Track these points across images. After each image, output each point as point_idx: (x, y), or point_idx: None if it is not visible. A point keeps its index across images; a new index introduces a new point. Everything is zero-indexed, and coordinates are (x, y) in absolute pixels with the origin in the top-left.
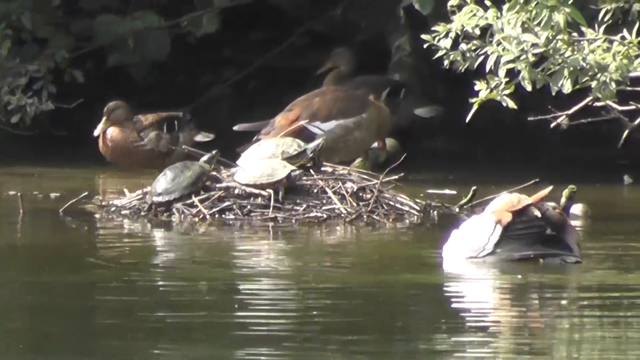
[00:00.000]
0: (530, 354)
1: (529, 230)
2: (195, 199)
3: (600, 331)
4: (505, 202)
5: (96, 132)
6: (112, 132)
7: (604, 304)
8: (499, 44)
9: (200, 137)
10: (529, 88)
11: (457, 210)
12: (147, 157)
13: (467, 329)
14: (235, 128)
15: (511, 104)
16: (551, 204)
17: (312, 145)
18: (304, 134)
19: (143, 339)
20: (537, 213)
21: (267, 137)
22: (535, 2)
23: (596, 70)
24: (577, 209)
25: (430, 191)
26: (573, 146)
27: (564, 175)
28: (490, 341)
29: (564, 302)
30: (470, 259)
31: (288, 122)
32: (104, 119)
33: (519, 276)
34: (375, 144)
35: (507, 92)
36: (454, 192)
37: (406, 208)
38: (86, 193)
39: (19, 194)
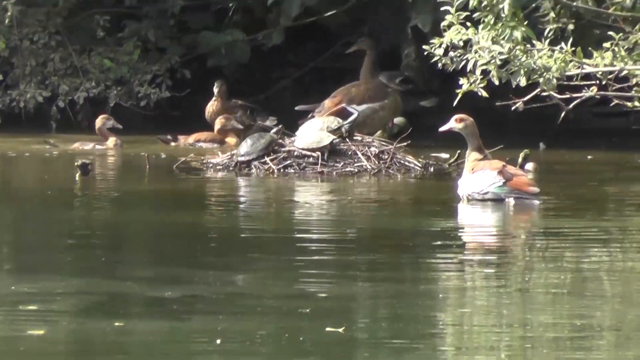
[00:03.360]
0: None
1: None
2: (267, 159)
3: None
4: (493, 164)
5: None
6: (216, 105)
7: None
8: (476, 52)
9: (268, 122)
10: (496, 82)
11: (447, 166)
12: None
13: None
14: (297, 108)
15: (484, 94)
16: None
17: (348, 120)
18: (344, 113)
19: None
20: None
21: (318, 115)
22: (501, 23)
23: (543, 70)
24: (529, 166)
25: (432, 154)
26: (527, 122)
27: (521, 142)
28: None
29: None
30: (476, 195)
31: (333, 104)
32: (216, 90)
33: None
34: (396, 120)
35: (481, 85)
36: (447, 155)
37: (412, 165)
38: (192, 155)
39: (145, 154)
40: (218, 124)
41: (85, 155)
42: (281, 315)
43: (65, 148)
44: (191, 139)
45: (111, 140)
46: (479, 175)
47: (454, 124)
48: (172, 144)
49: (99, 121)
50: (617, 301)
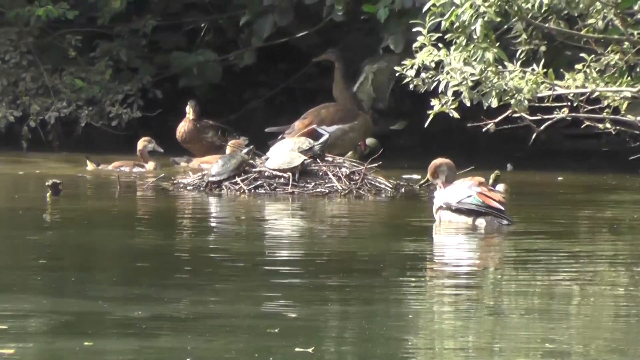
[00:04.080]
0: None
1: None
2: (238, 179)
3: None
4: (475, 178)
5: (190, 116)
6: (188, 125)
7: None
8: (447, 73)
9: (240, 140)
10: (468, 104)
11: (417, 187)
12: (207, 147)
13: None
14: (267, 130)
15: (456, 115)
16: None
17: (319, 141)
18: (314, 135)
19: (205, 274)
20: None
21: (289, 136)
22: (473, 45)
23: (514, 91)
24: (500, 187)
25: (404, 176)
26: (498, 143)
27: (491, 163)
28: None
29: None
30: (451, 205)
31: (304, 126)
32: (191, 110)
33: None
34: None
35: (453, 106)
36: (419, 176)
37: (383, 186)
38: (163, 174)
39: (117, 174)
40: (140, 145)
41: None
42: (250, 335)
43: (103, 169)
44: (111, 166)
45: (151, 164)
46: (454, 186)
47: (431, 179)
48: (183, 164)
49: (140, 143)
50: (586, 325)
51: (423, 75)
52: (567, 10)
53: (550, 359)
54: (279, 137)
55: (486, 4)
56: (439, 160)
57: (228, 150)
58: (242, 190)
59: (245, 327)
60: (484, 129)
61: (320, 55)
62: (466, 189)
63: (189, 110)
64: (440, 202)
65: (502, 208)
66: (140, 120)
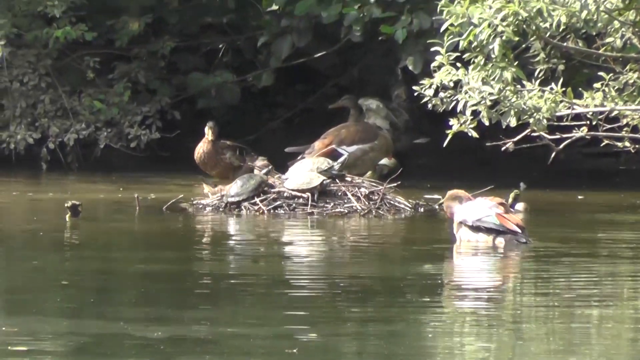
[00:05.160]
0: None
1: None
2: (257, 200)
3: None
4: (495, 199)
5: (209, 137)
6: (207, 146)
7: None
8: (466, 92)
9: (259, 162)
10: (486, 123)
11: (437, 207)
12: (226, 167)
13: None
14: (287, 150)
15: (474, 134)
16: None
17: (338, 161)
18: (334, 154)
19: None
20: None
21: (309, 156)
22: (491, 64)
23: (533, 110)
24: (520, 206)
25: (424, 195)
26: (517, 162)
27: (510, 182)
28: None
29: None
30: (468, 222)
31: (324, 145)
32: (210, 130)
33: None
34: (383, 161)
35: (471, 126)
36: (440, 196)
37: (402, 206)
38: (182, 195)
39: (136, 195)
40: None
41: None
42: (270, 355)
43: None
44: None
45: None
46: (475, 203)
47: (450, 204)
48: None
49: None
50: (607, 350)
51: (441, 94)
52: (585, 29)
53: None
54: (299, 157)
55: (504, 24)
56: (455, 191)
57: (255, 170)
58: (261, 211)
59: (264, 347)
60: (502, 148)
61: (337, 102)
62: (486, 209)
63: (208, 132)
64: (459, 218)
65: (520, 231)
66: (159, 141)
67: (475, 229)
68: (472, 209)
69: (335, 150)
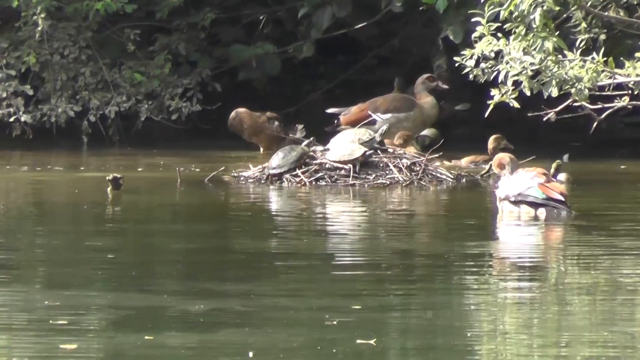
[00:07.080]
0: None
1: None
2: (298, 172)
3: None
4: (537, 169)
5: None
6: (248, 116)
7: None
8: (507, 63)
9: (298, 133)
10: (528, 93)
11: (479, 178)
12: (270, 138)
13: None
14: (328, 111)
15: (516, 104)
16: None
17: (378, 131)
18: (368, 120)
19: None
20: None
21: (344, 117)
22: (532, 34)
23: (574, 80)
24: (562, 176)
25: (470, 165)
26: (559, 132)
27: (552, 153)
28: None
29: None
30: (510, 197)
31: (359, 110)
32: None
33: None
34: (425, 132)
35: (513, 96)
36: (485, 166)
37: (444, 177)
38: (224, 167)
39: (178, 168)
40: (491, 144)
41: None
42: (311, 327)
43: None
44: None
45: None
46: (516, 177)
47: (497, 171)
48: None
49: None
50: None
51: (482, 65)
52: None
53: (615, 349)
54: (334, 122)
55: None
56: (502, 155)
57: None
58: (302, 183)
59: (305, 319)
60: (544, 119)
61: (395, 88)
62: (528, 180)
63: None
64: (501, 193)
65: (563, 199)
66: (200, 113)
67: (518, 202)
68: (513, 184)
69: (370, 115)
